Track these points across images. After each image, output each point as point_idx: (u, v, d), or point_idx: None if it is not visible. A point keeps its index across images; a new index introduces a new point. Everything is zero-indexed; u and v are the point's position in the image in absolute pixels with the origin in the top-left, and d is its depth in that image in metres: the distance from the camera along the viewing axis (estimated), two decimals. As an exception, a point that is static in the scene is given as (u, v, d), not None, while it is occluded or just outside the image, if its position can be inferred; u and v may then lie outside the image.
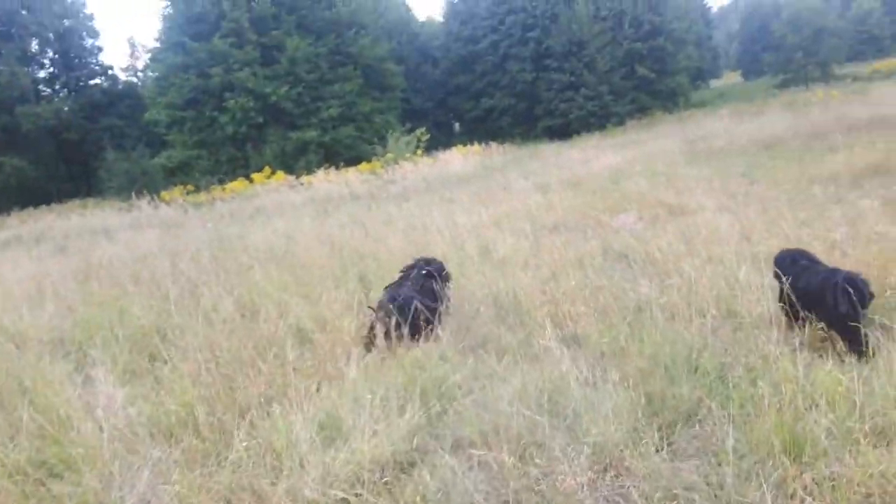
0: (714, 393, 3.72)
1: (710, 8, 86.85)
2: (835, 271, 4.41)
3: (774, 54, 56.31)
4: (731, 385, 3.71)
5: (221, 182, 31.56)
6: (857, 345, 4.08)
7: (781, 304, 4.59)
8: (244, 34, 34.32)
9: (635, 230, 8.45)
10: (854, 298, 4.04)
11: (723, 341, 4.35)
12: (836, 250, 5.58)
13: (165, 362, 5.07)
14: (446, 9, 52.33)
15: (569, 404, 3.68)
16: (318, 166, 30.96)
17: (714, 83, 78.33)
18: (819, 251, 5.38)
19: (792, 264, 4.65)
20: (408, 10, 56.79)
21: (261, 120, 34.28)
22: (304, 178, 26.83)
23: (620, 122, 42.81)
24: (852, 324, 4.05)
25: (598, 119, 43.02)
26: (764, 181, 11.20)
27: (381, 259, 7.56)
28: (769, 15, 74.38)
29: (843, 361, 3.97)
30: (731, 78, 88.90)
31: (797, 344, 4.02)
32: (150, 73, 38.19)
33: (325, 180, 24.84)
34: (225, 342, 5.23)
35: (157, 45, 37.97)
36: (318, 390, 4.42)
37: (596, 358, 4.43)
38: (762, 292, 5.05)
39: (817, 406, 3.47)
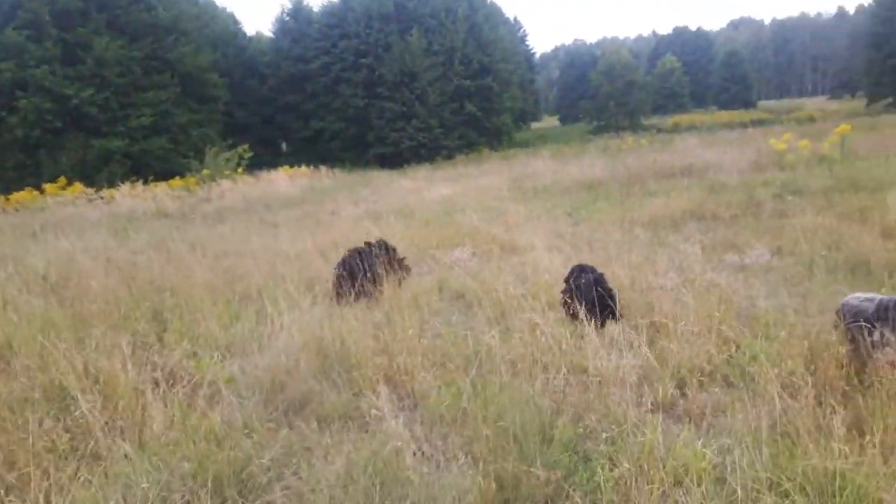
0: (572, 474, 3.20)
1: (533, 54, 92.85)
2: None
3: (590, 102, 61.39)
4: (592, 461, 3.21)
5: (5, 192, 27.26)
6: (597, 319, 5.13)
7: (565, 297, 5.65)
8: (43, 27, 30.25)
9: (470, 267, 8.04)
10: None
11: (573, 404, 3.88)
12: (677, 304, 5.43)
13: None
14: (276, 26, 50.64)
15: (405, 492, 2.96)
16: (124, 179, 27.87)
17: (535, 125, 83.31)
18: (664, 301, 5.23)
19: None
20: (235, 22, 54.19)
21: (59, 124, 30.24)
22: (106, 192, 23.93)
23: (450, 156, 43.76)
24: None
25: (428, 151, 43.62)
26: (589, 222, 11.44)
27: (181, 292, 6.36)
28: (586, 65, 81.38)
29: (698, 426, 3.66)
30: (550, 121, 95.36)
31: (649, 405, 3.66)
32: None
33: (130, 195, 22.30)
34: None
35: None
36: (75, 476, 3.30)
37: (436, 423, 3.76)
38: (596, 343, 4.74)
39: (681, 484, 3.06)
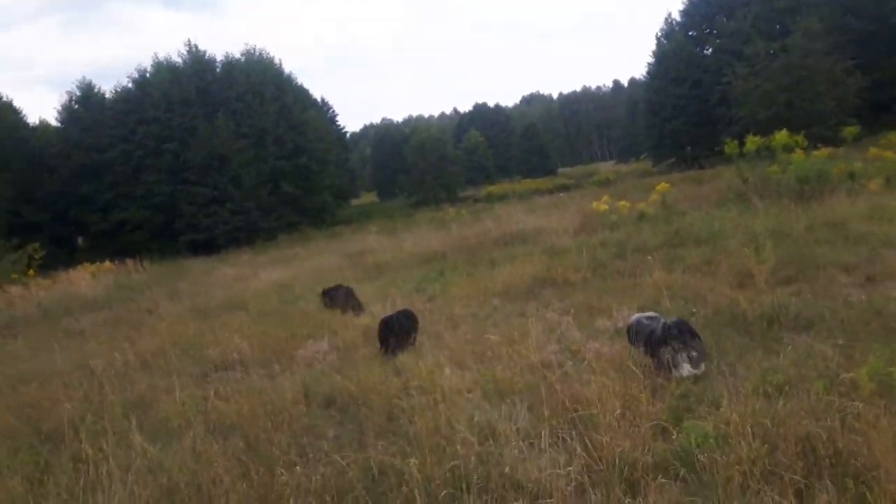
0: None
1: (345, 133, 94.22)
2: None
3: (407, 177, 63.11)
4: None
5: None
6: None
7: None
8: None
9: (332, 362, 7.17)
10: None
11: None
12: (580, 384, 4.98)
13: None
14: (64, 114, 46.40)
15: None
16: None
17: (354, 202, 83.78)
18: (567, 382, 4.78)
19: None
20: (15, 112, 48.91)
21: None
22: None
23: (271, 237, 42.11)
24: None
25: (246, 234, 41.64)
26: (443, 296, 11.04)
27: (-38, 446, 4.83)
28: (397, 142, 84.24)
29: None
30: (368, 197, 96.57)
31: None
32: None
33: None
34: None
35: None
36: None
37: None
38: (516, 440, 4.17)
39: None
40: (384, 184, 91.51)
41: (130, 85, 46.28)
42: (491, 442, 4.13)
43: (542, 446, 4.01)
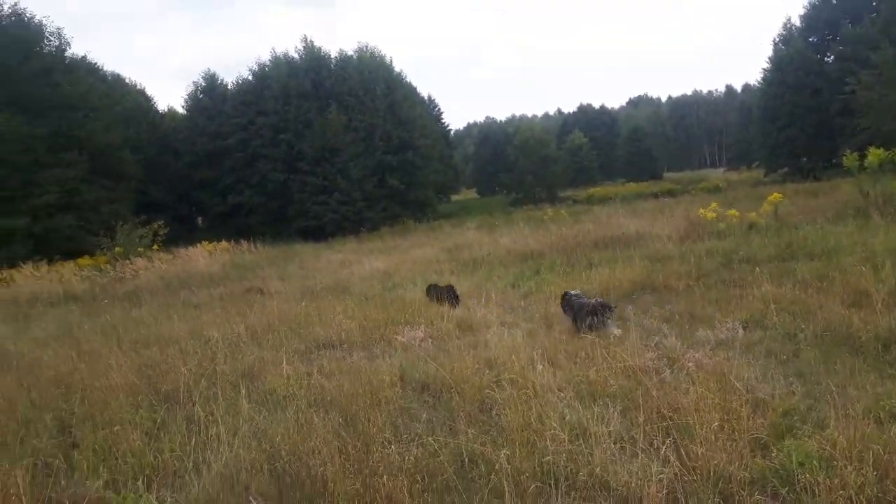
0: None
1: (449, 130, 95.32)
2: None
3: (508, 175, 62.95)
4: None
5: None
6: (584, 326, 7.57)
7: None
8: (-61, 103, 28.34)
9: (427, 349, 7.34)
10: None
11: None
12: (677, 391, 4.86)
13: None
14: (190, 103, 49.79)
15: None
16: (27, 258, 25.72)
17: (454, 197, 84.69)
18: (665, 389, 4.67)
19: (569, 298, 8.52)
20: (147, 99, 52.96)
21: (-50, 202, 27.95)
22: (5, 273, 21.90)
23: (374, 228, 43.40)
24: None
25: (351, 223, 43.13)
26: (536, 294, 11.01)
27: (94, 396, 5.33)
28: (499, 141, 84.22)
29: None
30: (469, 194, 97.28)
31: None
32: None
33: (33, 276, 20.41)
34: None
35: None
36: None
37: None
38: (607, 442, 4.13)
39: None
40: (485, 181, 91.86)
41: (250, 77, 48.86)
42: (581, 441, 4.12)
43: (635, 451, 3.96)
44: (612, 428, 4.50)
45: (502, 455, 3.69)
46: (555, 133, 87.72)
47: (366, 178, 45.31)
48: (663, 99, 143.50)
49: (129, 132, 41.29)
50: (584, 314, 7.71)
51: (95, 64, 45.50)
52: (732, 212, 16.34)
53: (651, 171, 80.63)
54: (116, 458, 4.15)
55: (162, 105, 60.81)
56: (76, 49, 61.21)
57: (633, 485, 3.62)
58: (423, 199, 51.31)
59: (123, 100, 45.72)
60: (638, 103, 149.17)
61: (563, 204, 49.26)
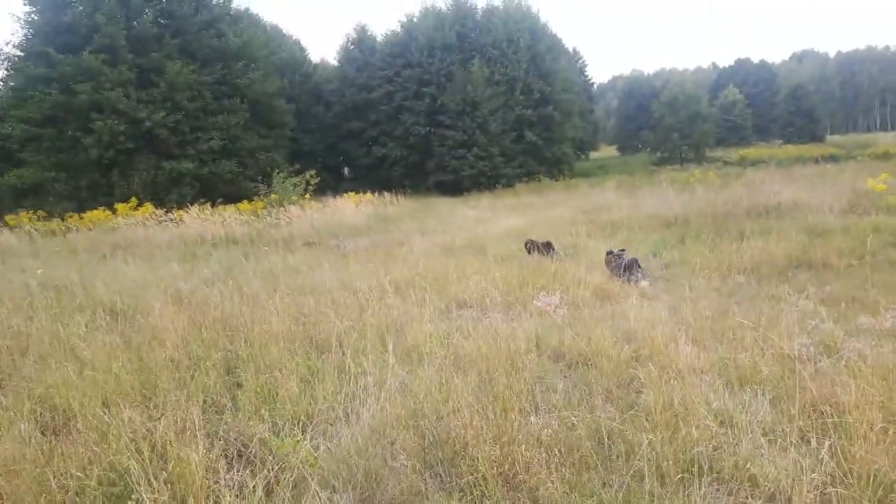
0: None
1: (592, 84, 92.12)
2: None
3: (652, 133, 59.99)
4: None
5: (79, 210, 28.02)
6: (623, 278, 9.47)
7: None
8: (119, 52, 31.19)
9: (562, 315, 7.33)
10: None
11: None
12: (834, 384, 4.53)
13: None
14: (341, 54, 51.56)
15: None
16: (193, 200, 28.35)
17: (593, 155, 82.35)
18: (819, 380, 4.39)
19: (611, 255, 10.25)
20: (301, 50, 55.39)
21: (131, 146, 31.00)
22: (175, 214, 24.21)
23: (510, 184, 43.30)
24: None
25: (488, 179, 43.27)
26: (679, 265, 10.60)
27: (255, 339, 5.85)
28: (646, 96, 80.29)
29: None
30: (608, 151, 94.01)
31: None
32: (10, 83, 33.75)
33: (199, 217, 22.42)
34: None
35: (19, 52, 33.75)
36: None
37: None
38: (755, 433, 3.95)
39: None
40: (627, 138, 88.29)
41: (399, 30, 49.65)
42: (728, 430, 3.98)
43: (785, 445, 3.78)
44: (760, 418, 4.31)
45: (644, 439, 3.65)
46: (707, 88, 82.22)
47: (504, 132, 45.09)
48: (831, 54, 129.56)
49: (284, 82, 43.51)
50: (623, 269, 9.70)
51: (257, 15, 48.41)
52: (907, 184, 14.73)
53: (812, 132, 73.51)
54: (276, 402, 4.55)
55: (315, 57, 63.63)
56: (239, 2, 65.05)
57: (782, 482, 3.47)
58: (560, 155, 50.30)
59: (280, 50, 48.08)
60: (802, 58, 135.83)
61: (711, 165, 46.40)
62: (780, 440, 3.88)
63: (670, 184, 30.30)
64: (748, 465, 3.55)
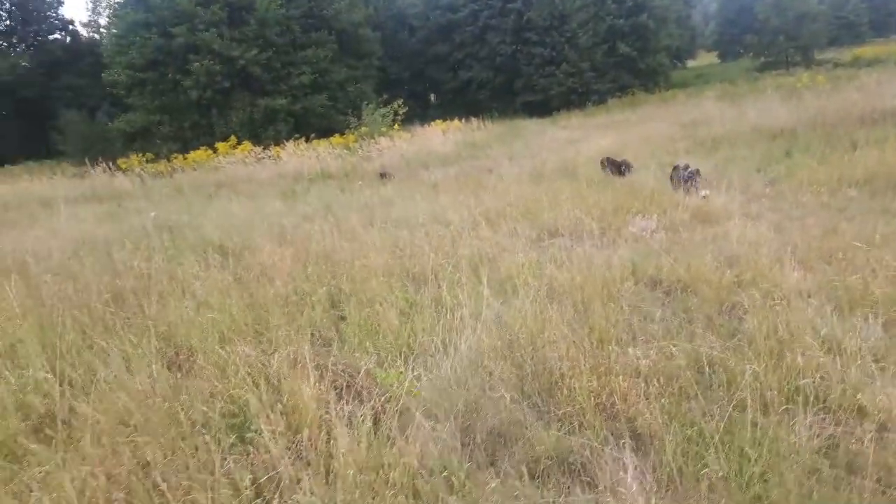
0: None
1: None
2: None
3: (756, 37, 55.41)
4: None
5: (183, 150, 29.53)
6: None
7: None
8: (210, -8, 31.89)
9: (659, 240, 7.16)
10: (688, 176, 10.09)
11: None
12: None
13: None
14: (425, -25, 50.22)
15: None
16: (288, 136, 29.19)
17: (691, 63, 77.56)
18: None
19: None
20: (385, -28, 54.37)
21: (227, 85, 32.02)
22: (273, 150, 25.03)
23: (601, 101, 41.68)
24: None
25: (578, 96, 41.78)
26: (787, 181, 9.99)
27: (355, 274, 6.10)
28: (748, -3, 73.81)
29: None
30: (707, 58, 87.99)
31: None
32: (112, 31, 35.41)
33: (295, 153, 23.09)
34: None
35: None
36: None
37: (674, 484, 3.09)
38: (866, 359, 3.80)
39: None
40: (728, 43, 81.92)
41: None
42: (836, 357, 3.85)
43: (896, 372, 3.63)
44: (871, 343, 4.13)
45: (747, 368, 3.59)
46: (817, -18, 74.49)
47: (595, 46, 43.01)
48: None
49: (369, 10, 43.14)
50: (683, 179, 9.99)
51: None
52: None
53: (939, 26, 65.34)
54: (378, 335, 4.77)
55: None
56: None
57: (893, 411, 3.36)
58: (655, 66, 47.53)
59: (363, -25, 47.44)
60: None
61: (821, 68, 42.63)
62: (892, 367, 3.72)
63: (775, 90, 28.26)
64: (858, 395, 3.44)
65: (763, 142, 14.21)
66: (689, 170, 10.16)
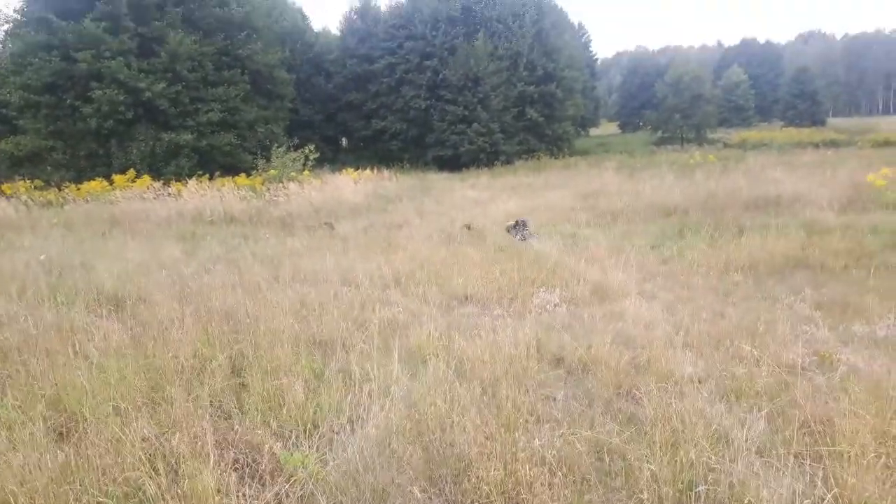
0: None
1: (596, 60, 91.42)
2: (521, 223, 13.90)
3: (654, 112, 59.73)
4: None
5: (77, 180, 27.88)
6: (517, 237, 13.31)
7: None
8: (120, 20, 30.70)
9: (561, 315, 7.42)
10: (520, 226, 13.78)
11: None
12: (828, 399, 4.61)
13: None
14: (344, 24, 50.93)
15: None
16: (191, 173, 28.26)
17: (593, 131, 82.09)
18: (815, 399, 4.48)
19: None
20: (304, 18, 54.61)
21: (130, 116, 30.68)
22: (174, 187, 24.11)
23: (508, 161, 43.23)
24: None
25: (487, 155, 43.14)
26: (677, 260, 10.68)
27: (260, 340, 5.90)
28: (650, 73, 79.90)
29: None
30: (609, 128, 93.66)
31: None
32: (9, 46, 33.23)
33: (197, 192, 22.35)
34: None
35: (18, 17, 33.18)
36: None
37: None
38: (750, 453, 4.05)
39: None
40: (628, 115, 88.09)
41: (404, 0, 48.96)
42: (723, 448, 4.08)
43: (780, 466, 3.88)
44: (755, 436, 4.41)
45: (644, 466, 3.74)
46: (711, 67, 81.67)
47: (506, 109, 44.83)
48: (838, 36, 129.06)
49: (285, 52, 43.00)
50: (516, 230, 13.48)
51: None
52: (907, 180, 14.80)
53: (813, 115, 73.16)
54: (282, 409, 4.62)
55: (317, 25, 62.79)
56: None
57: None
58: (561, 133, 50.10)
59: (282, 18, 47.38)
60: (808, 39, 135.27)
61: (712, 147, 46.39)
62: (774, 461, 3.99)
63: (670, 166, 30.38)
64: (742, 489, 3.65)
65: (658, 218, 15.17)
66: (521, 220, 14.00)
